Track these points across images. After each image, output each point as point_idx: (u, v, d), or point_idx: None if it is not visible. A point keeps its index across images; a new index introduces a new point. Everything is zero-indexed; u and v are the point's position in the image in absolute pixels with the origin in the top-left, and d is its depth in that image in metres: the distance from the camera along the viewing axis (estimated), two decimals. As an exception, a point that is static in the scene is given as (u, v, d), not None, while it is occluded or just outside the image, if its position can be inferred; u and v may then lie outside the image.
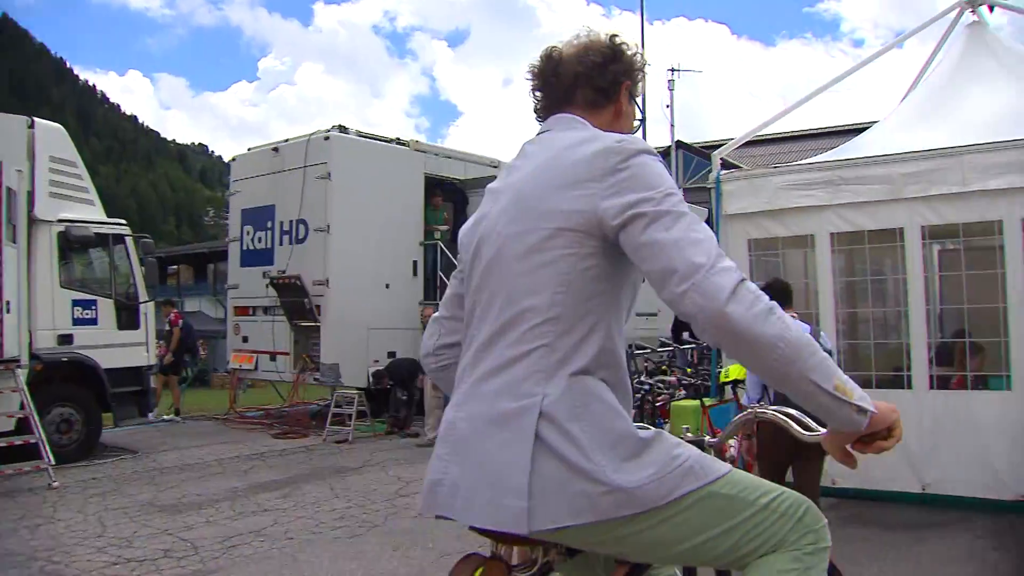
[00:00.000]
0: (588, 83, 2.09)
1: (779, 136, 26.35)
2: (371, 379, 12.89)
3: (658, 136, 58.49)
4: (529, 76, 2.18)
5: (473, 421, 1.88)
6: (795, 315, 6.65)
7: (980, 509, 6.89)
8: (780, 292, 5.86)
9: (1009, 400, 7.00)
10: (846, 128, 25.59)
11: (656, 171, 1.86)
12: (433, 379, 2.36)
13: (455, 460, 1.89)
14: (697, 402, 7.78)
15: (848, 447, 1.82)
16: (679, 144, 32.38)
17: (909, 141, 7.63)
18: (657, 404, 10.15)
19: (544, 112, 2.15)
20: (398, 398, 12.83)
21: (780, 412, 2.22)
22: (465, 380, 1.97)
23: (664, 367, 13.34)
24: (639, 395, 10.03)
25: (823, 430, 1.93)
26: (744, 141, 9.11)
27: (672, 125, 26.21)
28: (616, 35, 2.13)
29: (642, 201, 1.79)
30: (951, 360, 7.49)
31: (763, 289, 1.70)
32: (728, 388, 7.87)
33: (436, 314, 2.30)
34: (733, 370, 7.58)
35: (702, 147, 30.59)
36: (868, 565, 5.79)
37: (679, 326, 14.65)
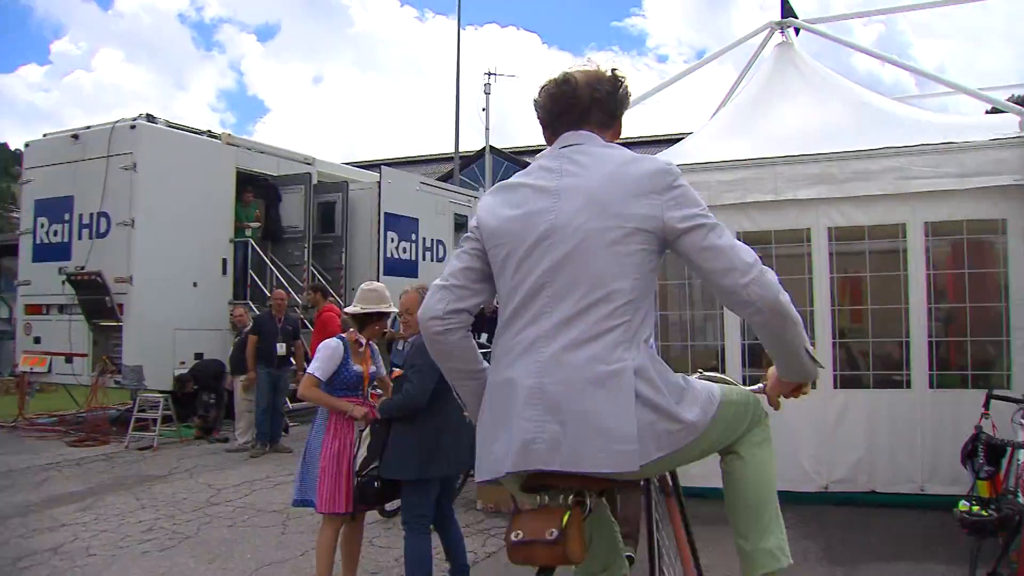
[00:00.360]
0: (601, 107, 2.54)
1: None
2: (175, 383, 12.28)
3: (470, 140, 59.03)
4: (544, 94, 2.57)
5: (573, 385, 2.22)
6: None
7: (786, 501, 7.36)
8: None
9: (813, 398, 7.53)
10: (661, 138, 26.90)
11: (694, 191, 2.37)
12: (433, 342, 2.51)
13: (552, 419, 2.21)
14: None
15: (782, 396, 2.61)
16: (491, 149, 32.87)
17: (723, 151, 8.08)
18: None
19: (560, 126, 2.55)
20: (205, 401, 12.33)
21: (719, 377, 2.84)
22: (539, 350, 2.28)
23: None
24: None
25: (759, 385, 2.73)
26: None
27: (487, 128, 26.37)
28: (616, 68, 2.57)
29: (698, 215, 2.30)
30: (760, 361, 7.99)
31: None
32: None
33: (443, 282, 2.49)
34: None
35: (511, 152, 31.23)
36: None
37: (475, 328, 14.65)
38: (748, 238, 7.86)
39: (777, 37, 9.62)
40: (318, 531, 5.28)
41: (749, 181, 7.65)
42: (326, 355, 5.20)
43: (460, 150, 26.07)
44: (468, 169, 28.45)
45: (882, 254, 7.54)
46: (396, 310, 5.49)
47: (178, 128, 13.36)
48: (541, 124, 2.63)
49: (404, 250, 15.73)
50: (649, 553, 2.82)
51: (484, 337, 12.89)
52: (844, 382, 7.48)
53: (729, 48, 9.83)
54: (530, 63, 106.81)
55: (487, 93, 27.02)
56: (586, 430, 2.19)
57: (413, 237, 16.00)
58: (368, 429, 5.15)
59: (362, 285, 5.60)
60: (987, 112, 10.01)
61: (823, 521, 6.80)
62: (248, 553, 6.38)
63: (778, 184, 7.56)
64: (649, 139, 26.65)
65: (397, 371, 5.22)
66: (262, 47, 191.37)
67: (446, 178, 23.89)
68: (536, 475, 2.27)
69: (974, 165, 6.92)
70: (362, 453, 5.06)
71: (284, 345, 10.92)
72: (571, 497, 2.28)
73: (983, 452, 4.53)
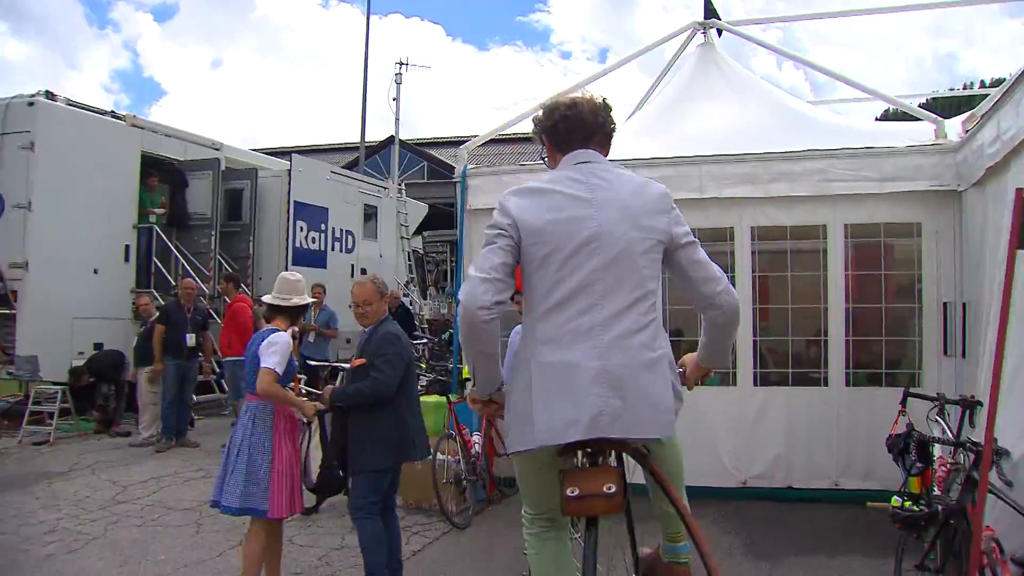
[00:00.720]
0: (602, 131, 3.06)
1: (517, 136, 27.29)
2: (70, 374, 11.67)
3: (372, 130, 58.19)
4: (558, 115, 3.04)
5: (630, 368, 2.72)
6: None
7: (707, 496, 7.48)
8: None
9: (732, 395, 7.66)
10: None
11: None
12: (478, 330, 2.74)
13: (615, 395, 2.69)
14: (442, 398, 7.80)
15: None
16: (393, 140, 32.45)
17: (643, 150, 8.11)
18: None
19: (569, 144, 3.03)
20: (104, 393, 11.78)
21: None
22: (597, 337, 2.73)
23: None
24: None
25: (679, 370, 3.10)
26: (488, 138, 9.24)
27: (398, 119, 26.01)
28: (606, 98, 3.11)
29: (689, 232, 2.94)
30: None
31: None
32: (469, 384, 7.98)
33: (486, 275, 2.73)
34: (475, 367, 7.68)
35: (415, 143, 30.98)
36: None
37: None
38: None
39: (700, 37, 9.74)
40: (249, 534, 5.02)
41: (674, 179, 7.65)
42: (283, 349, 4.98)
43: (367, 140, 25.68)
44: (371, 159, 28.01)
45: (803, 254, 7.72)
46: (311, 301, 5.33)
47: (80, 107, 12.74)
48: (549, 141, 3.11)
49: (313, 240, 15.39)
50: (627, 515, 3.11)
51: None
52: (763, 380, 7.64)
53: (653, 47, 9.86)
54: (433, 55, 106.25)
55: (398, 83, 26.59)
56: (643, 404, 2.71)
57: (322, 227, 15.66)
58: (316, 422, 5.09)
59: (281, 274, 5.46)
60: (876, 119, 10.41)
61: (743, 516, 6.93)
62: (161, 554, 6.10)
63: (703, 182, 7.66)
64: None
65: (358, 360, 5.10)
66: (159, 27, 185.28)
67: (351, 168, 23.49)
68: (578, 442, 2.73)
69: (893, 170, 7.15)
70: (314, 445, 4.94)
71: (193, 336, 10.53)
72: (612, 458, 2.87)
73: (915, 449, 4.64)
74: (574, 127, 3.02)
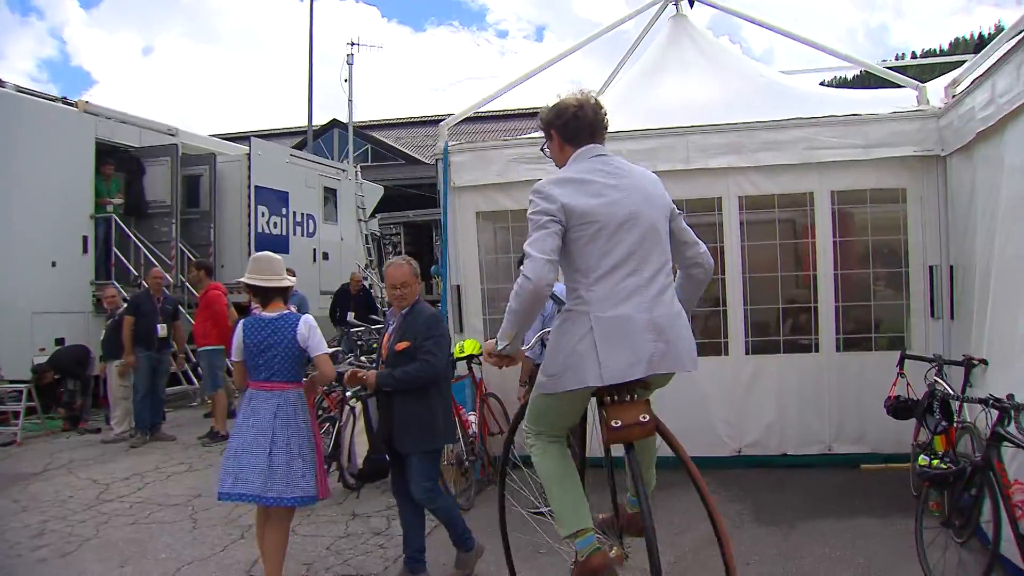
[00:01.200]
0: (602, 127, 3.66)
1: (487, 115, 27.74)
2: (32, 373, 11.30)
3: (315, 115, 57.25)
4: (570, 114, 3.60)
5: (667, 317, 3.38)
6: None
7: (703, 466, 7.47)
8: None
9: (725, 365, 7.67)
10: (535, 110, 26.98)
11: None
12: (542, 300, 3.31)
13: (661, 339, 3.34)
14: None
15: None
16: (335, 123, 31.94)
17: (619, 124, 8.06)
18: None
19: (580, 139, 3.60)
20: (70, 390, 11.44)
21: None
22: (642, 294, 3.36)
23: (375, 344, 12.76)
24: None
25: None
26: (466, 116, 9.08)
27: (351, 100, 25.60)
28: (598, 98, 3.73)
29: (675, 204, 3.64)
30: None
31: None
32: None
33: (549, 257, 3.28)
34: (468, 345, 7.60)
35: (358, 127, 30.67)
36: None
37: (342, 306, 14.17)
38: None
39: (671, 9, 9.68)
40: (269, 526, 4.86)
41: (660, 150, 7.66)
42: (319, 333, 4.98)
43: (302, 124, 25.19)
44: (314, 143, 27.54)
45: (790, 222, 7.75)
46: (293, 282, 5.24)
47: (31, 94, 12.28)
48: (561, 135, 3.64)
49: (275, 225, 15.06)
50: (606, 453, 3.73)
51: (351, 316, 12.49)
52: (755, 348, 7.66)
53: (627, 19, 9.74)
54: (370, 36, 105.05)
55: (350, 64, 26.17)
56: (680, 345, 3.41)
57: (283, 211, 15.34)
58: (360, 406, 5.35)
59: (262, 254, 5.27)
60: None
61: (743, 484, 6.97)
62: (162, 552, 5.93)
63: (689, 153, 7.63)
64: (528, 111, 26.91)
65: (402, 344, 5.03)
66: (85, 14, 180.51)
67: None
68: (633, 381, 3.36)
69: (877, 136, 7.19)
70: (359, 430, 4.96)
71: (165, 326, 10.24)
72: (638, 394, 3.43)
73: (939, 408, 4.70)
74: (584, 124, 3.60)
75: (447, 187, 8.15)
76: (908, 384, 6.28)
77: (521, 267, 3.33)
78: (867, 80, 15.69)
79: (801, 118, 7.38)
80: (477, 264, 8.26)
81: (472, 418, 7.49)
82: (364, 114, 60.52)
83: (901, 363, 6.40)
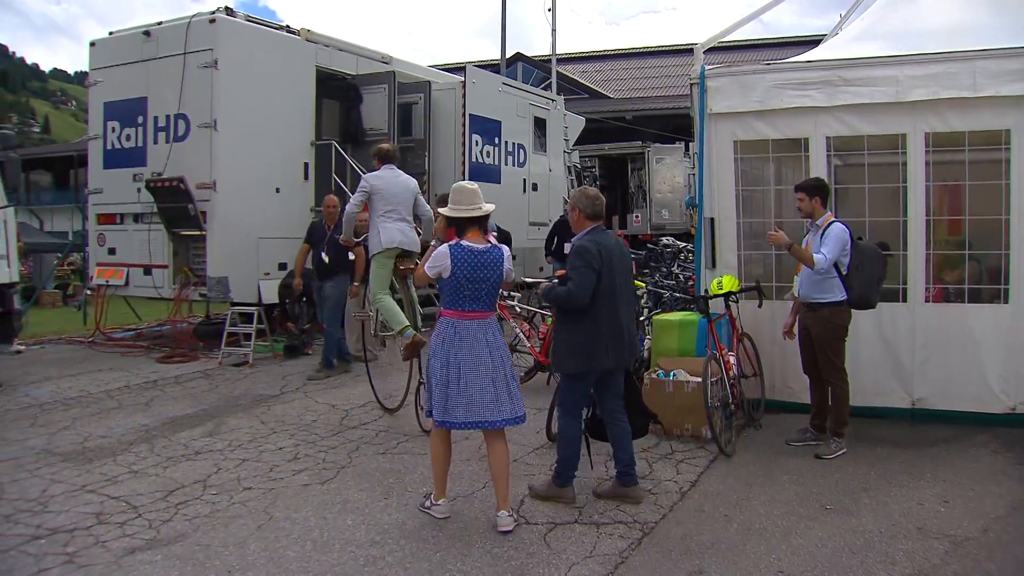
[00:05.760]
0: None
1: (731, 44, 27.20)
2: (282, 288, 11.51)
3: (484, 51, 56.62)
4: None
5: None
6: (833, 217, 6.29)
7: (972, 423, 6.68)
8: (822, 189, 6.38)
9: (1003, 313, 6.79)
10: (792, 40, 27.45)
11: None
12: None
13: None
14: (692, 315, 7.15)
15: None
16: (519, 56, 31.37)
17: (874, 48, 7.23)
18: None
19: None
20: (296, 314, 11.58)
21: None
22: None
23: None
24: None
25: None
26: (721, 38, 8.34)
27: (554, 31, 24.45)
28: None
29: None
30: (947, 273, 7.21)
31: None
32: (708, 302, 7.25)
33: None
34: (727, 281, 6.99)
35: (539, 60, 29.94)
36: (905, 486, 5.62)
37: (557, 238, 13.99)
38: (938, 140, 7.01)
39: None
40: (499, 448, 5.04)
41: (941, 76, 6.75)
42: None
43: (477, 58, 24.58)
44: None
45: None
46: (491, 209, 5.12)
47: (258, 23, 12.33)
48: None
49: (487, 154, 14.76)
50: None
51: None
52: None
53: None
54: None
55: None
56: None
57: (496, 141, 14.99)
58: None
59: (460, 184, 5.19)
60: None
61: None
62: (422, 486, 5.67)
63: (976, 80, 6.67)
64: (778, 41, 26.49)
65: (561, 271, 5.48)
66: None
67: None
68: None
69: None
70: None
71: (328, 256, 9.96)
72: None
73: None
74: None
75: (703, 113, 7.50)
76: None
77: None
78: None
79: None
80: (733, 196, 7.58)
81: (732, 359, 6.90)
82: (540, 47, 59.61)
83: None
